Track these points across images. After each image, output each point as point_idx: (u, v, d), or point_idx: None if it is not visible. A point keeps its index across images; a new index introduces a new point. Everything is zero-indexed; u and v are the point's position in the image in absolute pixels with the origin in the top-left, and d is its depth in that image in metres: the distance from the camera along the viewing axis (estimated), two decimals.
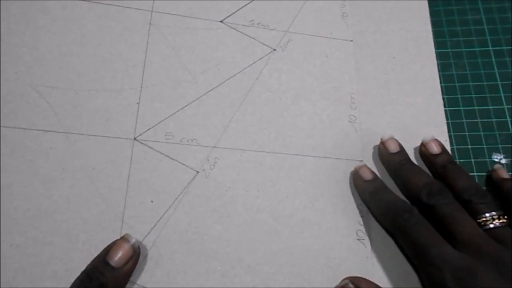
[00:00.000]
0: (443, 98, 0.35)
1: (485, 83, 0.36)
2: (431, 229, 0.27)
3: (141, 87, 0.34)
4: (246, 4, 0.38)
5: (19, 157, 0.31)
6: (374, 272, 0.29)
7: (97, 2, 0.36)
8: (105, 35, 0.35)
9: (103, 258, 0.26)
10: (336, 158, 0.33)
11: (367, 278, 0.27)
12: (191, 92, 0.34)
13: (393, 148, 0.31)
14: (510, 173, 0.32)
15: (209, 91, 0.34)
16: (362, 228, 0.30)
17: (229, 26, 0.37)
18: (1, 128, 0.31)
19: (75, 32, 0.35)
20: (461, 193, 0.29)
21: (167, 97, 0.34)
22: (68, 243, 0.29)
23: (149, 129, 0.33)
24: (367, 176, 0.31)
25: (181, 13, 0.37)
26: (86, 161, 0.31)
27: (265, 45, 0.37)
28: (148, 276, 0.28)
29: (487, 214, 0.28)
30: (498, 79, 0.36)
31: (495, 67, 0.37)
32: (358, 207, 0.31)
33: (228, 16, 0.38)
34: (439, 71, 0.36)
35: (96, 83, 0.34)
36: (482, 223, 0.28)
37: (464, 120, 0.35)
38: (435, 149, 0.31)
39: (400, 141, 0.32)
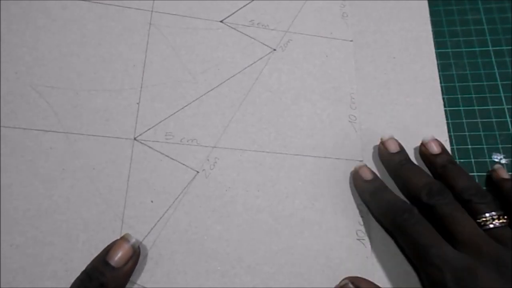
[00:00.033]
0: (443, 98, 0.35)
1: (485, 83, 0.36)
2: (431, 229, 0.27)
3: (141, 87, 0.34)
4: (246, 4, 0.38)
5: (19, 157, 0.31)
6: (374, 272, 0.29)
7: (97, 2, 0.36)
8: (105, 35, 0.35)
9: (103, 258, 0.26)
10: (336, 158, 0.33)
11: (367, 278, 0.27)
12: (191, 92, 0.34)
13: (393, 148, 0.32)
14: (510, 173, 0.32)
15: (209, 91, 0.34)
16: (362, 228, 0.30)
17: (229, 26, 0.37)
18: (1, 128, 0.31)
19: (75, 32, 0.35)
20: (461, 193, 0.29)
21: (167, 97, 0.34)
22: (68, 243, 0.29)
23: (149, 129, 0.33)
24: (367, 176, 0.31)
25: (181, 13, 0.37)
26: (86, 161, 0.31)
27: (265, 45, 0.37)
28: (148, 276, 0.28)
29: (487, 214, 0.28)
30: (498, 79, 0.36)
31: (495, 67, 0.37)
32: (358, 207, 0.31)
33: (228, 16, 0.38)
34: (439, 71, 0.36)
35: (96, 83, 0.34)
36: (482, 223, 0.28)
37: (464, 120, 0.35)
38: (435, 149, 0.31)
39: (400, 141, 0.32)
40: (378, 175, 0.31)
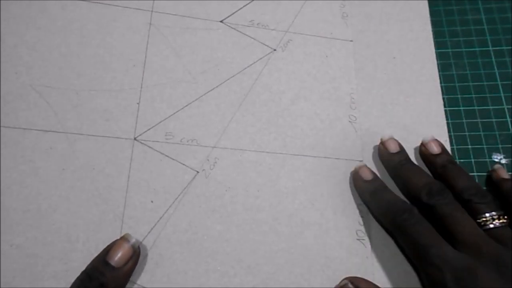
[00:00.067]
0: (443, 98, 0.35)
1: (485, 83, 0.36)
2: (431, 229, 0.27)
3: (141, 87, 0.34)
4: (246, 4, 0.38)
5: (19, 157, 0.31)
6: (374, 272, 0.29)
7: (97, 2, 0.36)
8: (105, 35, 0.35)
9: (103, 258, 0.26)
10: (336, 158, 0.33)
11: (367, 278, 0.28)
12: (191, 92, 0.34)
13: (393, 148, 0.31)
14: (510, 173, 0.32)
15: (209, 91, 0.34)
16: (362, 228, 0.30)
17: (229, 26, 0.37)
18: (1, 128, 0.31)
19: (75, 32, 0.35)
20: (461, 193, 0.29)
21: (167, 97, 0.34)
22: (68, 243, 0.29)
23: (149, 129, 0.33)
24: (367, 176, 0.31)
25: (181, 13, 0.37)
26: (86, 161, 0.31)
27: (265, 45, 0.37)
28: (148, 276, 0.28)
29: (487, 214, 0.28)
30: (498, 79, 0.36)
31: (495, 67, 0.37)
32: (358, 207, 0.31)
33: (228, 16, 0.38)
34: (439, 71, 0.36)
35: (96, 83, 0.34)
36: (482, 223, 0.28)
37: (464, 120, 0.35)
38: (435, 149, 0.31)
39: (400, 141, 0.32)
40: (378, 175, 0.31)
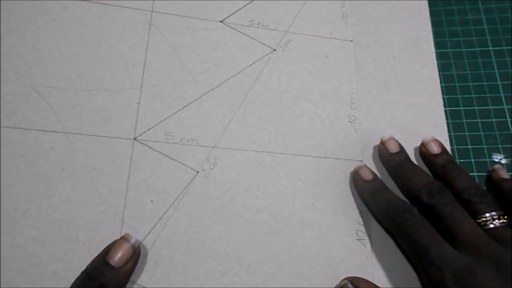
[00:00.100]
0: (443, 98, 0.35)
1: (485, 83, 0.36)
2: (431, 229, 0.27)
3: (141, 87, 0.34)
4: (246, 4, 0.38)
5: (19, 157, 0.31)
6: (374, 272, 0.29)
7: (97, 2, 0.36)
8: (105, 35, 0.35)
9: (103, 258, 0.26)
10: (336, 158, 0.33)
11: (367, 278, 0.28)
12: (191, 92, 0.34)
13: (393, 148, 0.31)
14: (510, 173, 0.32)
15: (209, 91, 0.34)
16: (362, 228, 0.30)
17: (229, 26, 0.37)
18: (1, 128, 0.31)
19: (75, 32, 0.35)
20: (461, 193, 0.29)
21: (167, 97, 0.34)
22: (68, 243, 0.29)
23: (149, 129, 0.33)
24: (367, 176, 0.31)
25: (181, 13, 0.37)
26: (86, 161, 0.31)
27: (265, 45, 0.37)
28: (148, 276, 0.28)
29: (487, 214, 0.28)
30: (498, 79, 0.36)
31: (495, 67, 0.37)
32: (358, 207, 0.31)
33: (228, 16, 0.38)
34: (439, 71, 0.36)
35: (96, 83, 0.34)
36: (482, 223, 0.28)
37: (464, 120, 0.35)
38: (435, 149, 0.31)
39: (400, 141, 0.32)
40: (378, 175, 0.31)
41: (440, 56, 0.37)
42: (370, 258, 0.30)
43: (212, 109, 0.34)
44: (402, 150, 0.32)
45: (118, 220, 0.30)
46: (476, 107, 0.35)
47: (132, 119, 0.33)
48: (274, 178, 0.32)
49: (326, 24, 0.38)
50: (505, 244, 0.26)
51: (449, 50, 0.38)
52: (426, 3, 0.39)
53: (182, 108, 0.34)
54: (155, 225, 0.30)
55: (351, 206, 0.31)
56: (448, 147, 0.33)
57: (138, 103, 0.33)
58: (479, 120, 0.35)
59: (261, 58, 0.36)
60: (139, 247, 0.27)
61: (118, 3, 0.37)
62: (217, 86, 0.35)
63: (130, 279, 0.27)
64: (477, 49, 0.38)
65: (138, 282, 0.28)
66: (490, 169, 0.32)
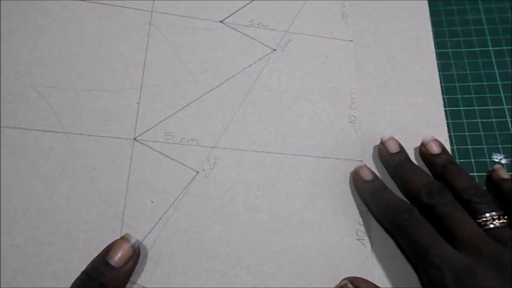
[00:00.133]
0: (443, 98, 0.35)
1: (485, 83, 0.36)
2: (431, 229, 0.27)
3: (141, 87, 0.34)
4: (246, 4, 0.38)
5: (19, 157, 0.31)
6: (374, 272, 0.29)
7: (97, 2, 0.36)
8: (105, 35, 0.35)
9: (103, 258, 0.26)
10: (336, 158, 0.33)
11: (367, 278, 0.27)
12: (191, 92, 0.34)
13: (393, 148, 0.31)
14: (510, 173, 0.32)
15: (209, 91, 0.34)
16: (362, 228, 0.30)
17: (229, 26, 0.37)
18: (1, 128, 0.31)
19: (75, 32, 0.35)
20: (461, 193, 0.29)
21: (167, 97, 0.34)
22: (68, 243, 0.29)
23: (149, 129, 0.33)
24: (367, 176, 0.31)
25: (181, 13, 0.37)
26: (86, 161, 0.31)
27: (265, 45, 0.37)
28: (148, 276, 0.28)
29: (487, 214, 0.28)
30: (498, 79, 0.36)
31: (495, 67, 0.37)
32: (358, 207, 0.31)
33: (228, 16, 0.38)
34: (439, 71, 0.36)
35: (96, 83, 0.34)
36: (482, 223, 0.28)
37: (464, 120, 0.35)
38: (435, 149, 0.31)
39: (400, 141, 0.32)
40: (378, 175, 0.31)
41: (440, 56, 0.37)
42: (370, 258, 0.30)
43: (212, 109, 0.34)
44: (402, 150, 0.32)
45: (118, 220, 0.30)
46: (476, 107, 0.35)
47: (132, 119, 0.33)
48: (274, 178, 0.32)
49: (326, 24, 0.38)
50: (505, 244, 0.26)
51: (449, 50, 0.38)
52: (426, 3, 0.39)
53: (182, 108, 0.34)
54: (155, 225, 0.30)
55: (351, 206, 0.31)
56: (448, 147, 0.33)
57: (138, 103, 0.33)
58: (479, 120, 0.35)
59: (261, 58, 0.36)
60: (139, 247, 0.28)
61: (118, 3, 0.37)
62: (217, 86, 0.35)
63: (130, 279, 0.27)
64: (477, 49, 0.38)
65: (138, 282, 0.28)
66: (490, 169, 0.32)
